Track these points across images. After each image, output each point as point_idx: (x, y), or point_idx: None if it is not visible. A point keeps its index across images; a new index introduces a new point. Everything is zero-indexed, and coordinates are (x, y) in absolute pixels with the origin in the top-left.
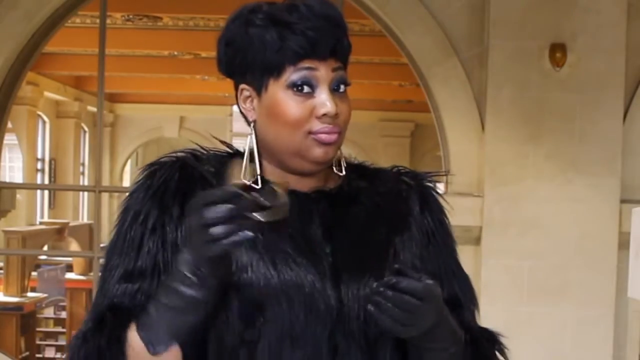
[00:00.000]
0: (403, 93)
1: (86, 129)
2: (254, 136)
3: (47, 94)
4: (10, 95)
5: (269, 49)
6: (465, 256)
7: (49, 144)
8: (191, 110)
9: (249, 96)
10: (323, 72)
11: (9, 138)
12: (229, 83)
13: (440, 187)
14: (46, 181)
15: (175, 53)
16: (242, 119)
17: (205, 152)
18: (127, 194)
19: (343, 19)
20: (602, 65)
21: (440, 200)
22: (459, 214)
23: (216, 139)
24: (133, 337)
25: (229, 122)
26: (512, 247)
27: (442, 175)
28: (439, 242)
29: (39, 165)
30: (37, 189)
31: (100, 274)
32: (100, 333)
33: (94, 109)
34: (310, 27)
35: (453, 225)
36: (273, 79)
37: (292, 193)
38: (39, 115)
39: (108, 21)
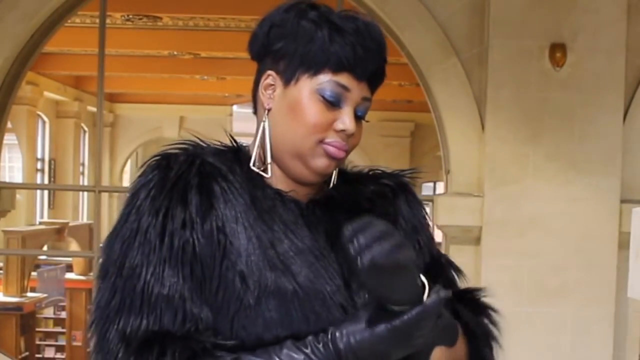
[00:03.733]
0: (403, 93)
1: (86, 129)
2: (267, 124)
3: (46, 93)
4: (10, 95)
5: (315, 46)
6: (466, 256)
7: (48, 144)
8: (191, 111)
9: (272, 84)
10: (355, 94)
11: (9, 138)
12: (228, 83)
13: (440, 187)
14: (46, 181)
15: (175, 53)
16: (242, 120)
17: (205, 145)
18: (137, 185)
19: (386, 51)
20: (602, 65)
21: (417, 195)
22: (459, 214)
23: (231, 137)
24: None
25: (229, 122)
26: (512, 247)
27: (415, 173)
28: (426, 234)
29: (39, 165)
30: (36, 189)
31: (116, 272)
32: None
33: (94, 109)
34: (361, 43)
35: (453, 225)
36: (308, 76)
37: (295, 202)
38: (39, 115)
39: (108, 21)
